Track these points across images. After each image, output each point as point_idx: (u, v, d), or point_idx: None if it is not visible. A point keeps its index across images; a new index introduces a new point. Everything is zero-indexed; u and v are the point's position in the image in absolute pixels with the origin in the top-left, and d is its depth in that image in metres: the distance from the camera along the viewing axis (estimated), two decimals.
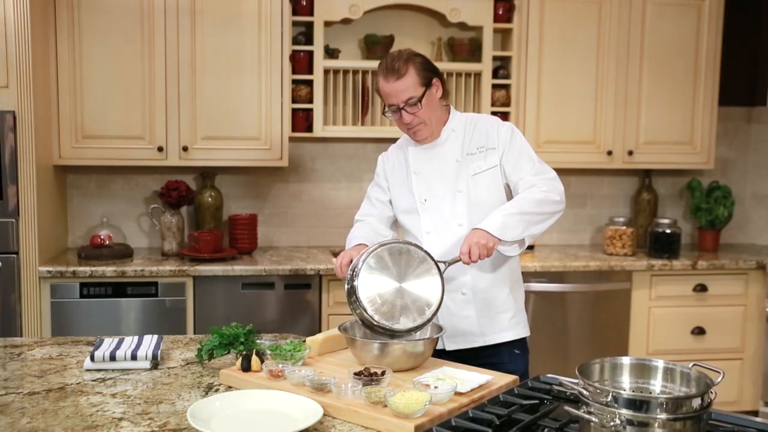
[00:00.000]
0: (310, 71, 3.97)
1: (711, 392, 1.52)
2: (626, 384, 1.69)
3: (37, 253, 3.50)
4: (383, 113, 2.41)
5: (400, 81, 2.29)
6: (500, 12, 4.08)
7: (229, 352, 2.11)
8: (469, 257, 2.15)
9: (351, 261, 2.23)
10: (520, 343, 2.45)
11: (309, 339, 2.15)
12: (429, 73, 2.34)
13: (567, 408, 1.52)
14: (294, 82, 3.97)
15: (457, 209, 2.39)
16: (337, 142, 4.30)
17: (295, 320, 3.71)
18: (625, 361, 1.72)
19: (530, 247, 4.29)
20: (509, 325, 2.40)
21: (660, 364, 1.70)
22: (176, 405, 1.82)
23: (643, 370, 1.70)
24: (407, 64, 2.31)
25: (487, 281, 2.39)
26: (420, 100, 2.31)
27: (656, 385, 1.68)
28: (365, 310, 2.08)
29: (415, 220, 2.45)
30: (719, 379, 1.56)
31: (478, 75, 4.11)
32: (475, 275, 2.38)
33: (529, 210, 2.26)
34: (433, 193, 2.42)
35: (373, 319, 2.07)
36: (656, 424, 1.44)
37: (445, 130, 2.43)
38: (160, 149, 3.80)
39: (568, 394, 1.77)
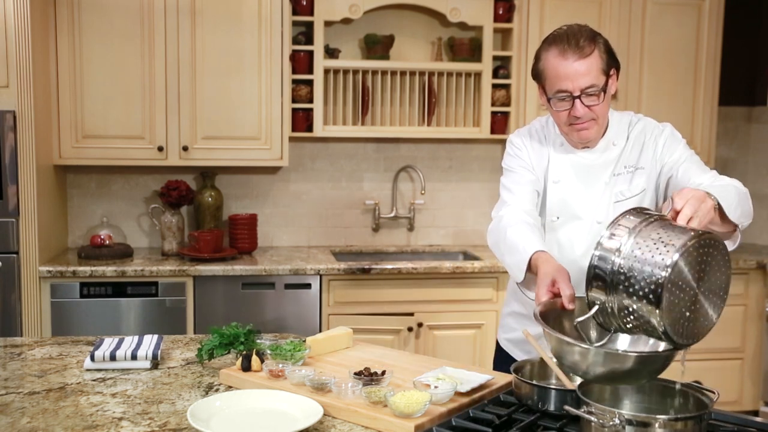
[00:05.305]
0: (310, 71, 3.97)
1: (713, 391, 1.53)
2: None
3: (37, 253, 3.50)
4: (547, 101, 1.98)
5: (584, 61, 1.90)
6: (500, 12, 4.08)
7: (229, 352, 2.10)
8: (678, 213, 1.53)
9: (554, 295, 1.80)
10: None
11: (309, 339, 2.15)
12: (612, 61, 1.97)
13: (567, 408, 1.52)
14: (294, 81, 3.97)
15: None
16: (337, 141, 4.30)
17: (295, 320, 3.70)
18: None
19: None
20: None
21: None
22: (176, 405, 1.82)
23: None
24: (593, 43, 1.92)
25: None
26: (603, 89, 1.93)
27: None
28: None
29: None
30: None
31: (478, 75, 4.11)
32: None
33: (741, 190, 1.82)
34: (570, 213, 2.07)
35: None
36: (656, 424, 1.44)
37: (604, 140, 2.06)
38: (160, 149, 3.80)
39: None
